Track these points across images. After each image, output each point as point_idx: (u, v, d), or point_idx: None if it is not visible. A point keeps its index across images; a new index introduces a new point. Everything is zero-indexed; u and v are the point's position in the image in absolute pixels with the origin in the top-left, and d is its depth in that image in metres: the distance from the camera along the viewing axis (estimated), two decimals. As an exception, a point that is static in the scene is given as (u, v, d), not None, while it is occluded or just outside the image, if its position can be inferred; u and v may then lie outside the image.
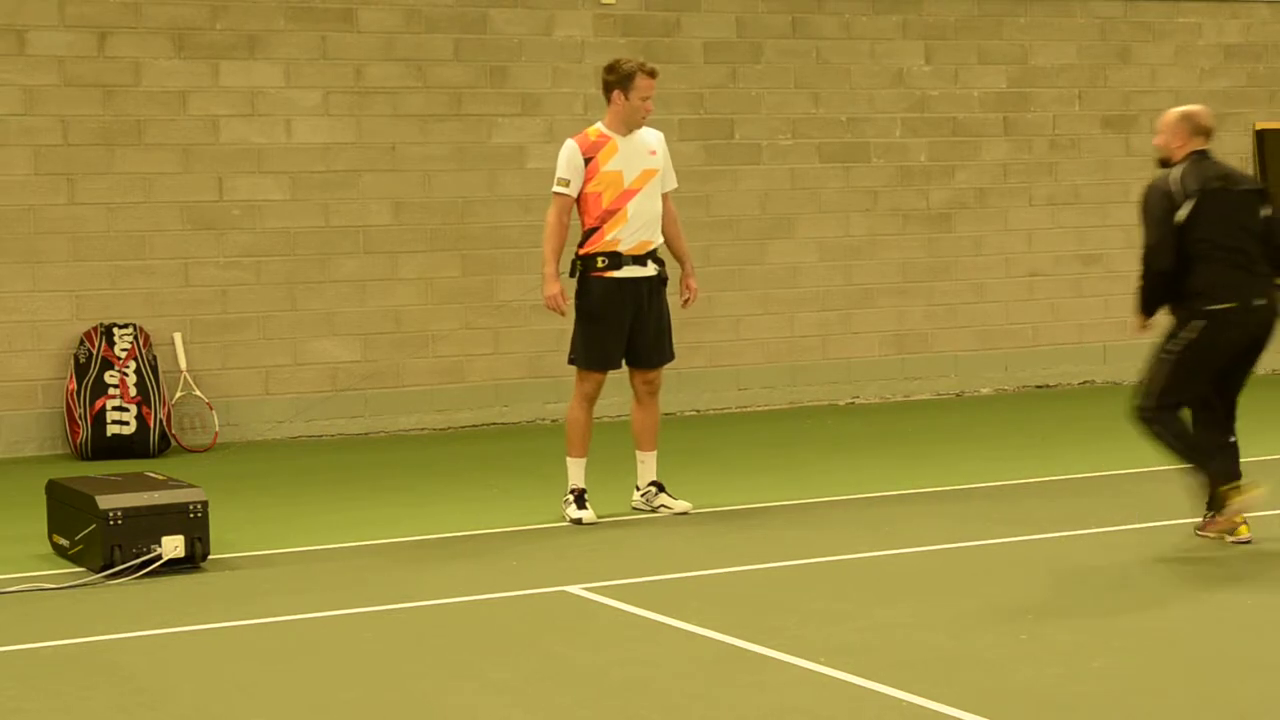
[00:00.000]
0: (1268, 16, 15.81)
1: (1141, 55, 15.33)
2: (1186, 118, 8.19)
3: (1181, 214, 7.99)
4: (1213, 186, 8.04)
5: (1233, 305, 8.03)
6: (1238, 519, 8.11)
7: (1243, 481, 8.13)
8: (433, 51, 13.09)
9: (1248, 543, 8.07)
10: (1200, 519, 8.30)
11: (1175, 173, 8.09)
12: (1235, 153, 15.63)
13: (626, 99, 9.10)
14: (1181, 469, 8.31)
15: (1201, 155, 8.14)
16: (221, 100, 12.54)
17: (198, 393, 12.41)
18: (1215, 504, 8.14)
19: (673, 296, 9.46)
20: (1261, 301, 8.10)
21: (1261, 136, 15.66)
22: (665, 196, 9.33)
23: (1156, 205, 8.05)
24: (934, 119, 14.62)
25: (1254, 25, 15.75)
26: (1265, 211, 8.19)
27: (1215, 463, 8.13)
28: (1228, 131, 15.63)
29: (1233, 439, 8.31)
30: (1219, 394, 8.31)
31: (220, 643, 6.86)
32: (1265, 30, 15.79)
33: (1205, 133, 8.18)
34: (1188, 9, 15.48)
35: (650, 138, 9.28)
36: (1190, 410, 8.25)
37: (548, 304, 9.17)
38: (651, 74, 9.13)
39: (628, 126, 9.14)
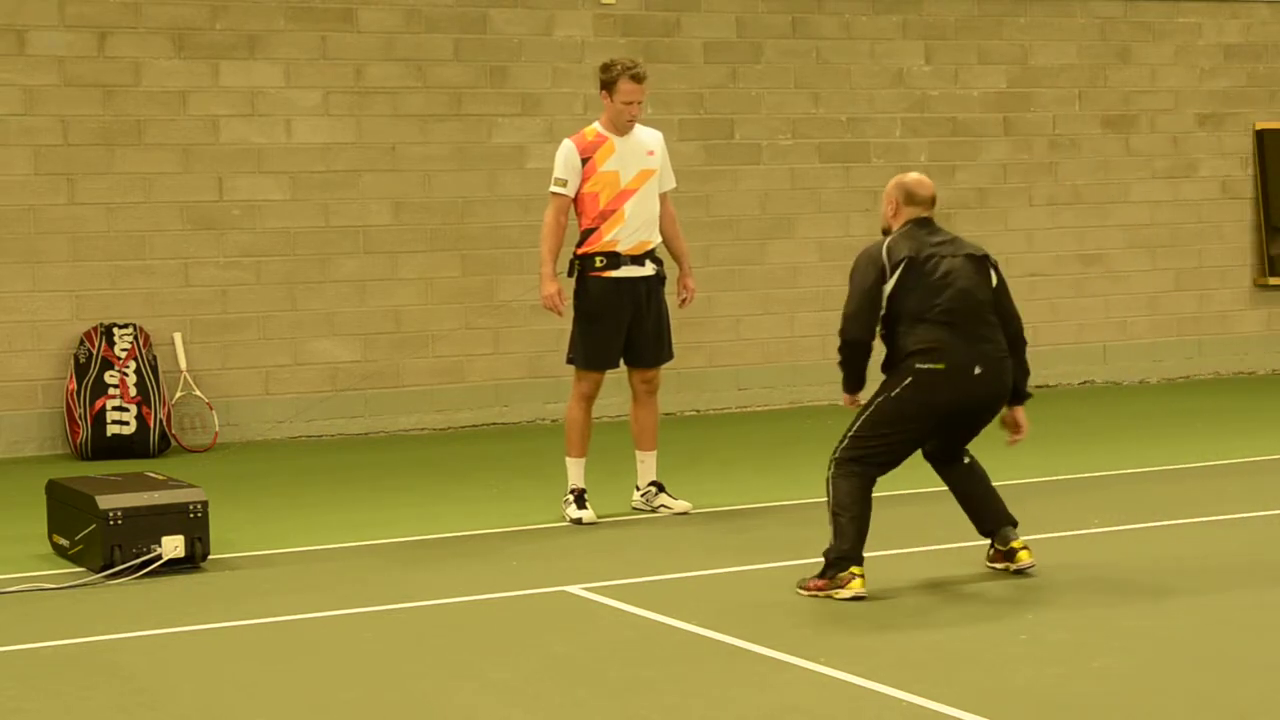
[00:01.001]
0: (1268, 16, 15.81)
1: (1141, 55, 15.33)
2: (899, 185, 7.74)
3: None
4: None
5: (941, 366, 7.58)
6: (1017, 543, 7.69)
7: None
8: (433, 51, 13.09)
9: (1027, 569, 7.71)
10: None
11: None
12: (1235, 153, 15.65)
13: (611, 101, 9.13)
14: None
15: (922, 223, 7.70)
16: (221, 100, 12.54)
17: (198, 393, 12.41)
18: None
19: (670, 296, 9.46)
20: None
21: (1261, 136, 15.66)
22: (664, 196, 9.33)
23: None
24: (934, 119, 14.62)
25: (1254, 25, 15.75)
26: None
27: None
28: (1228, 131, 15.65)
29: None
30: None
31: (220, 643, 6.86)
32: (1265, 30, 15.79)
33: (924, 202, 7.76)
34: (1188, 9, 15.48)
35: (649, 138, 9.28)
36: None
37: (544, 303, 9.17)
38: (636, 78, 9.10)
39: (616, 128, 9.15)
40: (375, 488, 10.60)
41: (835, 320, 15.09)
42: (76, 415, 11.95)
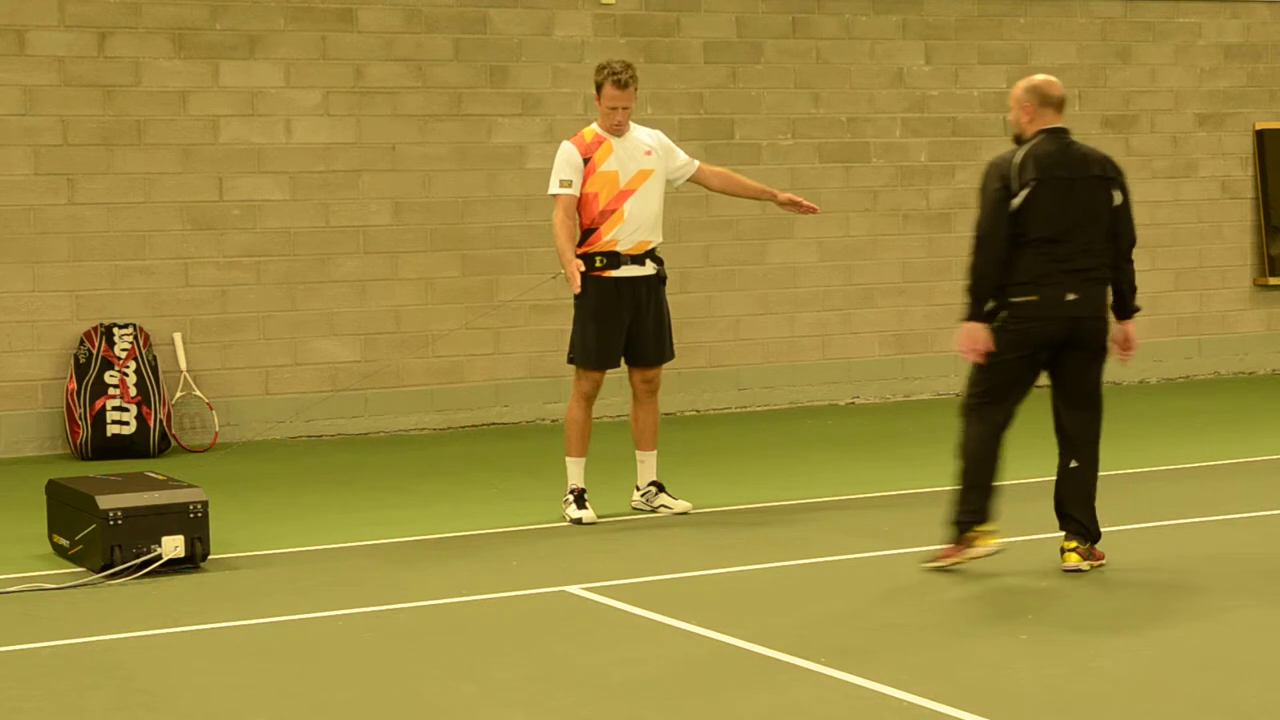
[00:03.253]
0: (1268, 16, 15.81)
1: (1141, 55, 15.33)
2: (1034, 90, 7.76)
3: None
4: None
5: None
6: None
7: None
8: (433, 51, 13.09)
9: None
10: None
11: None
12: (1235, 153, 15.65)
13: (599, 104, 9.19)
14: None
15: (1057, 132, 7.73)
16: (221, 100, 12.54)
17: (198, 393, 12.41)
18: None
19: (688, 296, 9.46)
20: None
21: (1261, 136, 15.66)
22: (701, 167, 9.47)
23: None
24: (934, 119, 14.62)
25: (1254, 25, 15.75)
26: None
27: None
28: (1228, 131, 15.65)
29: None
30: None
31: (220, 643, 6.86)
32: (1265, 30, 15.80)
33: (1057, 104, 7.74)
34: (1188, 9, 15.48)
35: (646, 138, 9.31)
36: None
37: (573, 286, 9.06)
38: (619, 84, 9.10)
39: (606, 130, 9.17)
40: (375, 488, 10.60)
41: (835, 320, 15.15)
42: (76, 415, 11.95)
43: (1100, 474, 10.56)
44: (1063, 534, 7.76)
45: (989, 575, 7.69)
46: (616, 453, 10.45)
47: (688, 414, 13.75)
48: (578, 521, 9.06)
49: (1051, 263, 7.54)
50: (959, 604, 7.13)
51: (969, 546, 7.63)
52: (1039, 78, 7.88)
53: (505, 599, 7.47)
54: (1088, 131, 15.15)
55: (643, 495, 9.38)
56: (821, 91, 14.26)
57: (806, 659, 6.26)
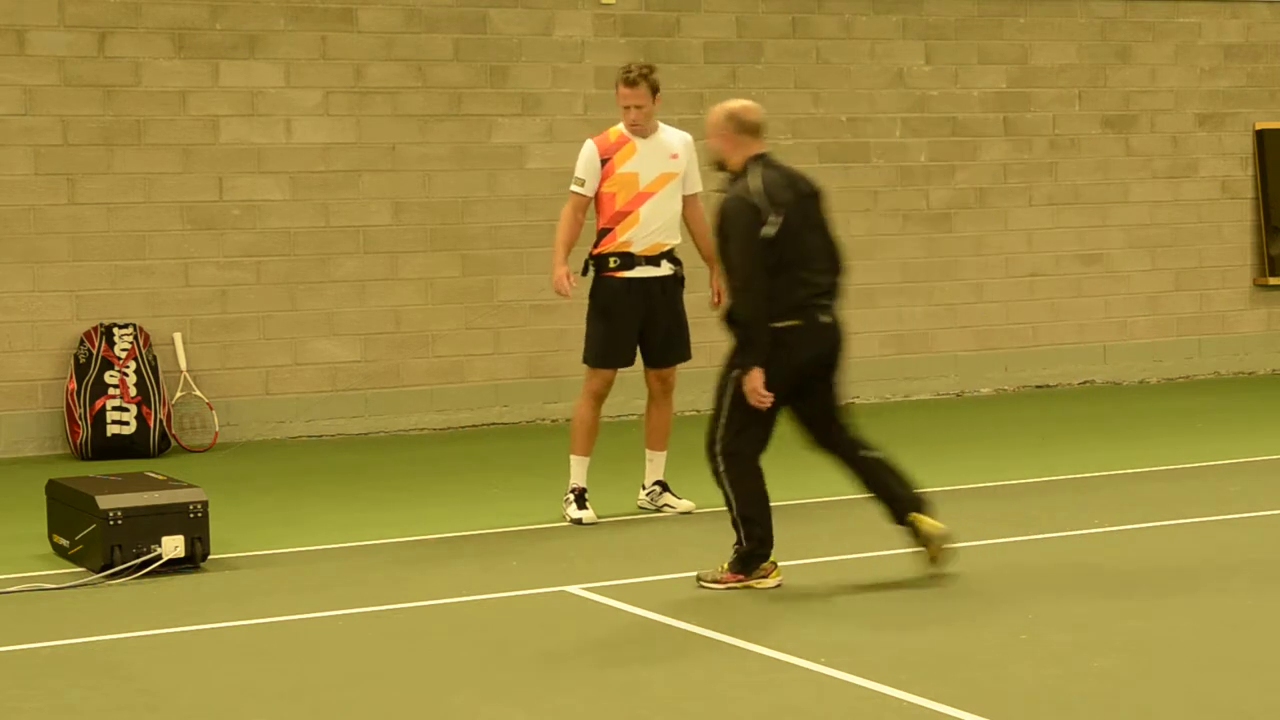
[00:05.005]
0: (1268, 16, 15.81)
1: (1141, 55, 15.33)
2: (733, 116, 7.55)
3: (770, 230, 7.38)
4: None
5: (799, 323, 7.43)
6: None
7: None
8: (433, 51, 13.09)
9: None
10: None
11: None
12: (1235, 153, 15.65)
13: (618, 103, 9.20)
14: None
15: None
16: (221, 100, 12.54)
17: (198, 393, 12.41)
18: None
19: (699, 294, 9.45)
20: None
21: (1261, 136, 15.66)
22: (694, 198, 9.33)
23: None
24: (934, 119, 14.61)
25: (1254, 25, 15.75)
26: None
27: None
28: (1228, 131, 15.64)
29: None
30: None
31: (220, 643, 6.87)
32: (1265, 30, 15.79)
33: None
34: (1188, 9, 15.48)
35: (674, 140, 9.26)
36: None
37: (554, 286, 9.15)
38: (628, 83, 9.09)
39: (629, 129, 9.16)
40: (375, 488, 10.60)
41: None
42: (76, 415, 11.95)
43: (1100, 474, 10.59)
44: (909, 516, 7.58)
45: (988, 575, 7.69)
46: (617, 453, 10.45)
47: (689, 413, 13.73)
48: (578, 522, 9.06)
49: (805, 286, 7.45)
50: (958, 604, 7.13)
51: (765, 577, 7.51)
52: (735, 104, 7.72)
53: (505, 599, 7.48)
54: (1088, 131, 15.16)
55: (648, 494, 9.39)
56: (821, 91, 14.26)
57: (805, 659, 6.26)
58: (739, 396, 7.42)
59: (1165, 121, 15.40)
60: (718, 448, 7.51)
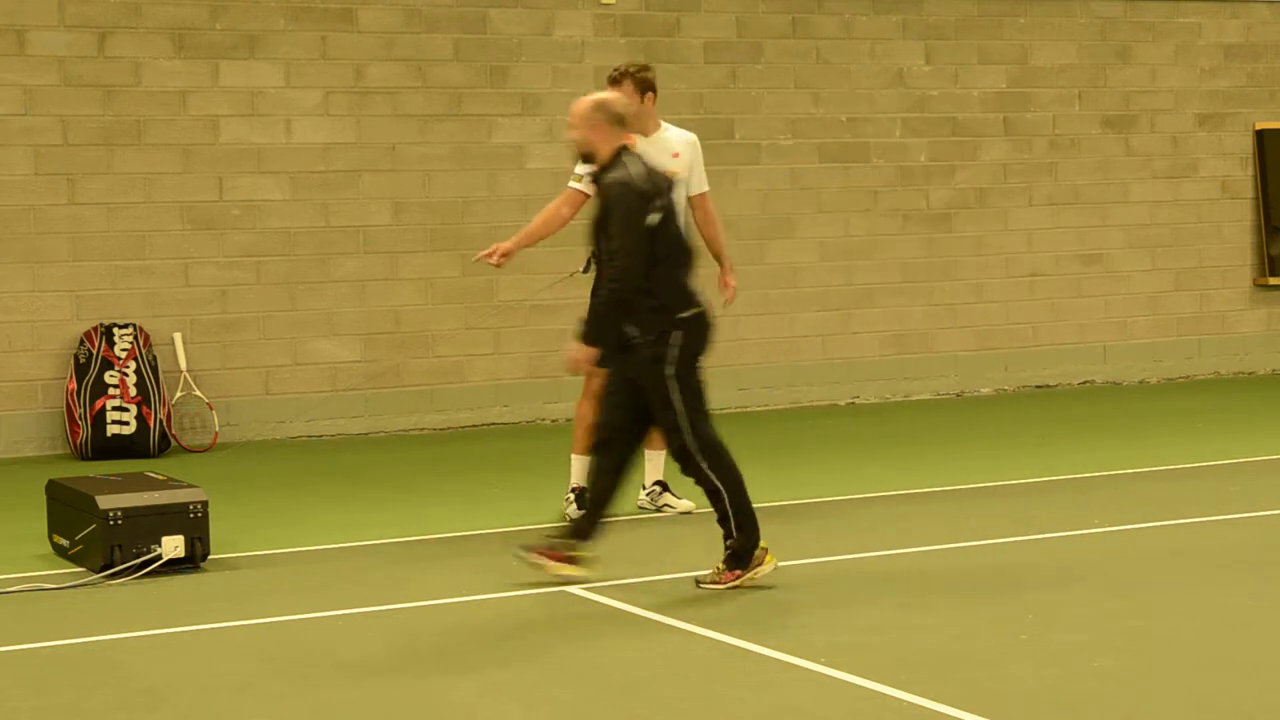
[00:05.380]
0: (1268, 16, 15.81)
1: (1141, 55, 15.33)
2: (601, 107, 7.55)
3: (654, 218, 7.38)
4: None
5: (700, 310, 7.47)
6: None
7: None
8: (433, 51, 13.09)
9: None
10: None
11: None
12: (1235, 153, 15.65)
13: None
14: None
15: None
16: (221, 100, 12.54)
17: (198, 393, 12.41)
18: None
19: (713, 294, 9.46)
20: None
21: (1261, 136, 15.66)
22: (703, 197, 9.32)
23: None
24: (934, 119, 14.62)
25: (1254, 25, 15.76)
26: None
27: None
28: (1228, 131, 15.65)
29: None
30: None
31: (220, 643, 6.86)
32: (1265, 30, 15.80)
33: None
34: (1188, 9, 15.48)
35: (676, 139, 9.23)
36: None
37: (487, 254, 8.86)
38: (611, 81, 9.07)
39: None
40: (375, 488, 10.60)
41: (835, 320, 15.14)
42: (76, 415, 11.95)
43: (1100, 474, 10.58)
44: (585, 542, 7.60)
45: (989, 575, 7.69)
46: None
47: (688, 414, 13.74)
48: (578, 521, 9.05)
49: (689, 274, 7.53)
50: (959, 604, 7.13)
51: (761, 565, 7.51)
52: (602, 95, 7.76)
53: (505, 599, 7.47)
54: (1088, 131, 15.16)
55: (648, 494, 9.39)
56: (821, 91, 14.26)
57: (806, 659, 6.26)
58: (684, 392, 7.42)
59: (1165, 121, 15.41)
60: (693, 447, 7.47)
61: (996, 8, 14.83)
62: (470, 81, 13.20)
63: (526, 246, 9.06)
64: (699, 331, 7.46)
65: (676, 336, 7.38)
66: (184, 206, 12.48)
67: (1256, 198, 15.69)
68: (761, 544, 7.51)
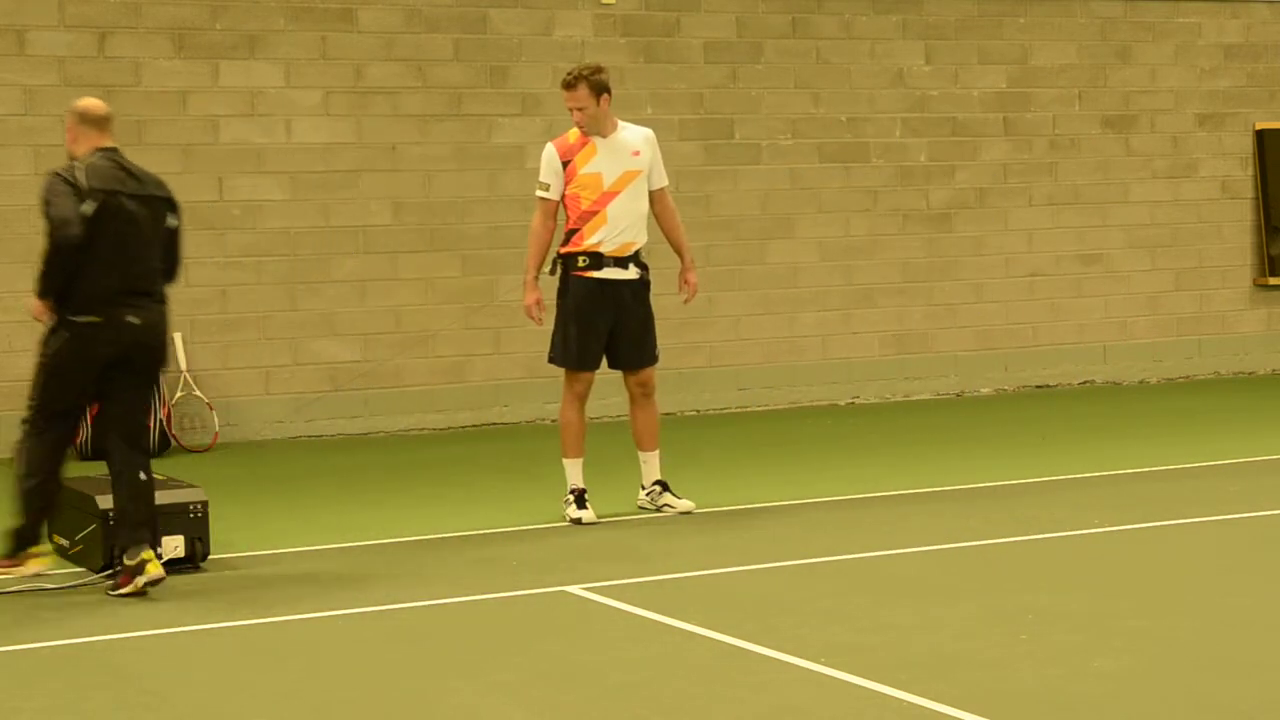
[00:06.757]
0: (1268, 16, 15.81)
1: (1141, 55, 15.33)
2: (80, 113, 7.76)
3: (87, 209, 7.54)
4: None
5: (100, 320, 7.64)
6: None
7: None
8: (433, 51, 13.09)
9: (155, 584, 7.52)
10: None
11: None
12: (1235, 153, 15.65)
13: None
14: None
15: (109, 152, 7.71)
16: (221, 100, 12.54)
17: (198, 393, 12.41)
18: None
19: (669, 295, 9.45)
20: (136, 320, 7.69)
21: (1261, 136, 15.66)
22: (662, 192, 9.32)
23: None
24: (934, 119, 14.62)
25: (1254, 25, 15.76)
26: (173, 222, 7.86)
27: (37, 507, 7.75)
28: (1228, 131, 15.65)
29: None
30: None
31: (220, 643, 6.86)
32: (1265, 30, 15.80)
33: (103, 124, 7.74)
34: (1188, 9, 15.48)
35: (635, 137, 9.24)
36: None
37: (526, 312, 9.26)
38: (565, 85, 9.11)
39: (582, 131, 9.15)
40: (375, 488, 10.60)
41: (835, 320, 15.13)
42: (76, 415, 11.93)
43: (1100, 474, 10.58)
44: (131, 550, 7.58)
45: (989, 575, 7.69)
46: (616, 453, 10.44)
47: (688, 414, 13.75)
48: (578, 521, 9.05)
49: (116, 282, 7.65)
50: (959, 604, 7.13)
51: (22, 565, 7.74)
52: (83, 101, 7.95)
53: (505, 599, 7.47)
54: (1088, 131, 15.16)
55: (648, 494, 9.38)
56: (821, 91, 14.26)
57: (806, 659, 6.26)
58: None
59: (1165, 121, 15.41)
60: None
61: (996, 8, 14.83)
62: (470, 81, 13.20)
63: (540, 269, 9.22)
64: (88, 338, 7.71)
65: (62, 335, 7.79)
66: (184, 206, 12.43)
67: (1256, 198, 15.69)
68: (35, 548, 7.72)
